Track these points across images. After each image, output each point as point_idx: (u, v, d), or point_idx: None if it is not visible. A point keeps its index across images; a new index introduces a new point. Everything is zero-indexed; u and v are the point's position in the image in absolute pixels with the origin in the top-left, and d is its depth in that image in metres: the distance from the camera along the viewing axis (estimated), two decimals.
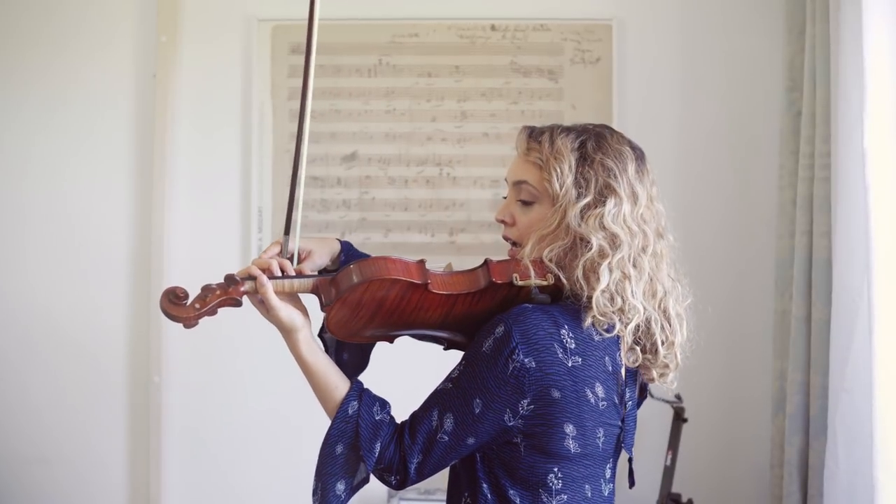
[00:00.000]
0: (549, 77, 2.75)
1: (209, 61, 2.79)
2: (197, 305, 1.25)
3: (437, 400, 1.31)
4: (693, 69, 2.76)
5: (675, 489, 2.50)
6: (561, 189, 1.32)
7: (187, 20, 2.79)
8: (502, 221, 1.42)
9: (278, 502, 2.74)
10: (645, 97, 2.75)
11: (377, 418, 1.31)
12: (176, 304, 1.25)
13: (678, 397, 2.56)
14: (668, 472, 2.48)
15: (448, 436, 1.28)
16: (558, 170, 1.32)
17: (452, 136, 2.76)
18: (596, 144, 1.34)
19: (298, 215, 1.37)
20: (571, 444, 1.28)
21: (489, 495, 1.31)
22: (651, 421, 2.67)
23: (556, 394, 1.25)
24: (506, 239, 1.42)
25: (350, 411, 1.30)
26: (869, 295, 1.94)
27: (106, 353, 2.76)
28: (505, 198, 1.44)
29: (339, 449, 1.30)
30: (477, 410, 1.27)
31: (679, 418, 2.52)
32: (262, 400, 2.75)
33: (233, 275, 1.28)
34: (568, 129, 1.37)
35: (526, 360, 1.24)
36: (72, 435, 2.76)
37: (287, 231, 1.38)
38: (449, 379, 1.31)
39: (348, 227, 2.73)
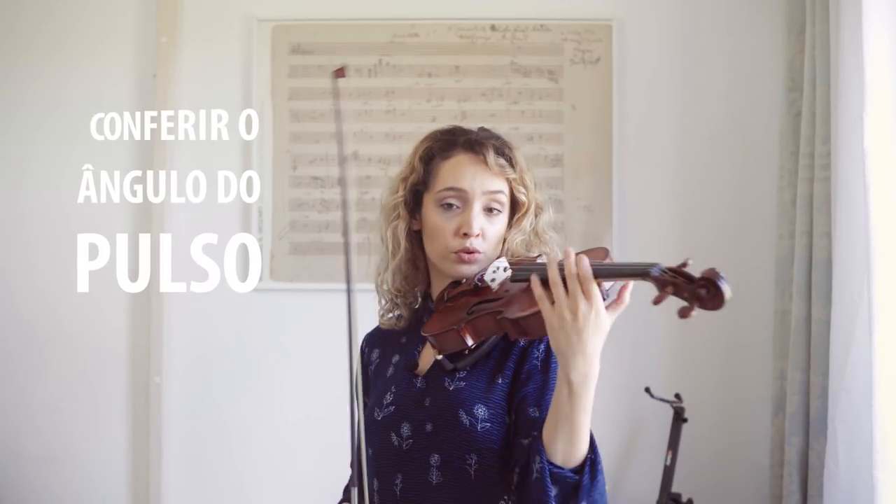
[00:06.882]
0: (549, 77, 2.75)
1: (209, 61, 2.79)
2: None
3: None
4: (693, 69, 2.75)
5: (674, 489, 2.50)
6: (531, 201, 1.44)
7: (187, 20, 2.79)
8: (476, 235, 1.38)
9: (278, 502, 2.74)
10: (645, 97, 2.75)
11: None
12: None
13: (678, 397, 2.56)
14: (668, 472, 2.48)
15: None
16: (528, 182, 1.44)
17: None
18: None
19: None
20: None
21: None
22: (651, 421, 2.67)
23: None
24: (469, 252, 1.38)
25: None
26: (869, 295, 1.94)
27: (107, 353, 2.76)
28: (455, 206, 1.40)
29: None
30: None
31: (679, 418, 2.53)
32: (262, 400, 2.75)
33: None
34: (510, 143, 1.46)
35: None
36: (73, 435, 2.76)
37: None
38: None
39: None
